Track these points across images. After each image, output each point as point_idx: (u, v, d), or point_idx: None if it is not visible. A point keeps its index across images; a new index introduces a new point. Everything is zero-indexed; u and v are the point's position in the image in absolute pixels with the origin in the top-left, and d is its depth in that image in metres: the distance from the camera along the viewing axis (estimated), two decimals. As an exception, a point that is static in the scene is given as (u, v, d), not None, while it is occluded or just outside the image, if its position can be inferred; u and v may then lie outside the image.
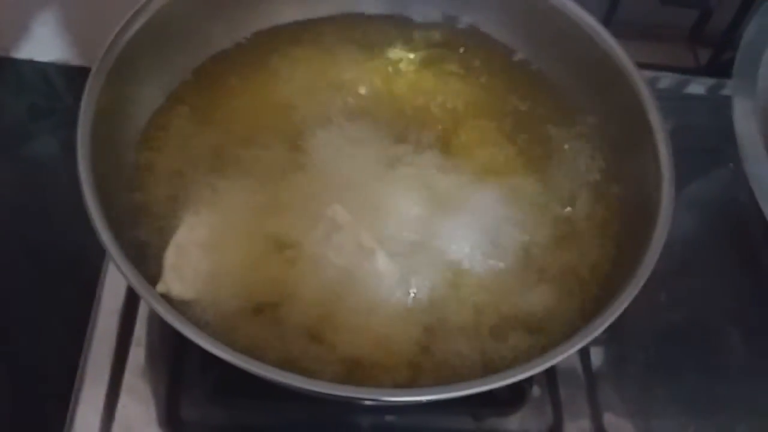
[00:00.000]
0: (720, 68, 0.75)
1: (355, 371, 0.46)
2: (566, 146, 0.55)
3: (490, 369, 0.47)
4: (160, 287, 0.46)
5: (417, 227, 0.51)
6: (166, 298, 0.46)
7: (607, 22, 0.72)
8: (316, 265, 0.49)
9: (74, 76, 0.76)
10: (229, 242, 0.49)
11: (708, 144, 0.69)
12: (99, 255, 0.58)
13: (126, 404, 0.51)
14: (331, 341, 0.47)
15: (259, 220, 0.50)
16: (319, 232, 0.50)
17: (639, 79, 0.52)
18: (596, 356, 0.55)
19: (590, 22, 0.56)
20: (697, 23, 0.77)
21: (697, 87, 0.75)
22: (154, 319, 0.54)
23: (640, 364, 0.56)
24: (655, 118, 0.50)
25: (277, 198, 0.51)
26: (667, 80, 0.74)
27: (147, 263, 0.48)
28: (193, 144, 0.53)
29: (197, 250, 0.48)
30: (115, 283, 0.55)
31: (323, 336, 0.47)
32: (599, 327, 0.42)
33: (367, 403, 0.49)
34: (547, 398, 0.53)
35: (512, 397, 0.52)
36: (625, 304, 0.43)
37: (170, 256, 0.48)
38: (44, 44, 0.76)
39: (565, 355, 0.42)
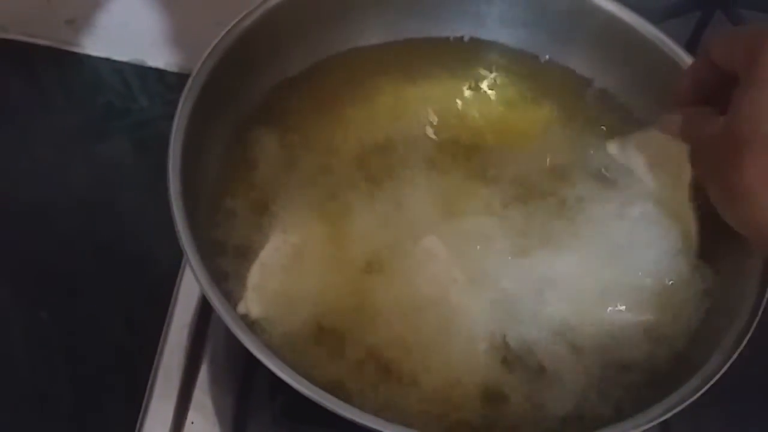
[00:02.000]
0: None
1: (425, 410, 0.46)
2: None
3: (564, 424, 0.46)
4: (241, 308, 0.46)
5: (512, 269, 0.50)
6: (245, 318, 0.45)
7: (690, 49, 0.71)
8: (403, 294, 0.48)
9: (150, 77, 0.77)
10: (315, 265, 0.49)
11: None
12: (168, 256, 0.58)
13: (194, 420, 0.51)
14: (408, 378, 0.46)
15: (348, 243, 0.50)
16: (413, 261, 0.49)
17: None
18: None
19: (678, 52, 0.55)
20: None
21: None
22: (224, 337, 0.55)
23: (717, 419, 0.54)
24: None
25: (368, 223, 0.50)
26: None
27: (227, 281, 0.48)
28: (281, 162, 0.53)
29: (281, 271, 0.48)
30: (188, 295, 0.55)
31: (401, 372, 0.46)
32: (683, 401, 0.42)
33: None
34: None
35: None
36: (714, 379, 0.42)
37: (254, 276, 0.47)
38: (121, 44, 0.76)
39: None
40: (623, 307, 0.49)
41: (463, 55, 0.60)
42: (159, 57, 0.76)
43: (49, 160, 0.71)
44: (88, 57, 0.77)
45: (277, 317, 0.47)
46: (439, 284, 0.48)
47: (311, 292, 0.48)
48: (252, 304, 0.47)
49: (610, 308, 0.49)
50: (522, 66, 0.60)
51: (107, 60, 0.77)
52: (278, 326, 0.47)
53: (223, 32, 0.51)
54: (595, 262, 0.50)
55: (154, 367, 0.53)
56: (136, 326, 0.62)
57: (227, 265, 0.48)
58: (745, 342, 0.44)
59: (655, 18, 0.58)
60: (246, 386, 0.52)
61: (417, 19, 0.59)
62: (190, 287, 0.56)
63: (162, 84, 0.76)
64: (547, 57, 0.60)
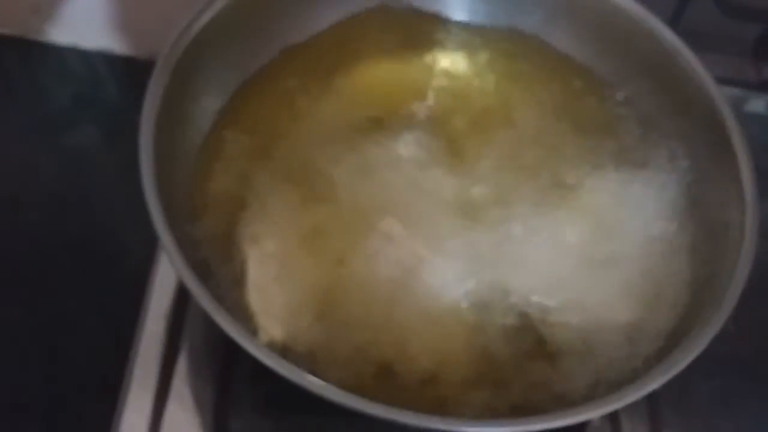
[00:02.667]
0: (782, 85, 0.73)
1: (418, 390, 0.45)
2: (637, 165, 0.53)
3: (552, 393, 0.45)
4: (263, 337, 0.44)
5: (479, 240, 0.49)
6: (273, 346, 0.44)
7: (673, 26, 0.70)
8: (372, 281, 0.47)
9: (118, 65, 0.75)
10: (298, 269, 0.47)
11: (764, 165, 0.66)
12: (142, 249, 0.56)
13: (174, 411, 0.50)
14: (396, 361, 0.45)
15: (319, 239, 0.49)
16: (372, 247, 0.48)
17: (722, 100, 0.51)
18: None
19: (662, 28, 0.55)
20: (762, 37, 0.75)
21: (757, 103, 0.73)
22: (202, 325, 0.53)
23: (705, 395, 0.54)
24: (738, 142, 0.49)
25: (332, 215, 0.50)
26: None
27: (206, 270, 0.46)
28: (251, 152, 0.52)
29: (275, 284, 0.46)
30: (163, 286, 0.54)
31: (391, 359, 0.46)
32: (671, 370, 0.42)
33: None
34: (608, 428, 0.51)
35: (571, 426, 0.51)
36: (702, 347, 0.42)
37: (254, 301, 0.45)
38: (88, 31, 0.74)
39: (635, 397, 0.41)
40: (604, 280, 0.49)
41: (441, 31, 0.58)
42: (128, 44, 0.74)
43: (17, 153, 0.69)
44: (54, 46, 0.74)
45: (293, 329, 0.46)
46: (401, 265, 0.47)
47: (308, 297, 0.47)
48: (270, 328, 0.45)
49: (590, 280, 0.49)
50: (503, 42, 0.58)
51: (74, 48, 0.74)
52: (297, 337, 0.45)
53: (194, 15, 0.49)
54: (575, 238, 0.50)
55: (130, 359, 0.51)
56: (110, 320, 0.60)
57: (205, 255, 0.47)
58: (728, 314, 0.44)
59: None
60: (226, 375, 0.51)
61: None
62: (166, 277, 0.54)
63: (131, 72, 0.74)
64: (530, 32, 0.59)
